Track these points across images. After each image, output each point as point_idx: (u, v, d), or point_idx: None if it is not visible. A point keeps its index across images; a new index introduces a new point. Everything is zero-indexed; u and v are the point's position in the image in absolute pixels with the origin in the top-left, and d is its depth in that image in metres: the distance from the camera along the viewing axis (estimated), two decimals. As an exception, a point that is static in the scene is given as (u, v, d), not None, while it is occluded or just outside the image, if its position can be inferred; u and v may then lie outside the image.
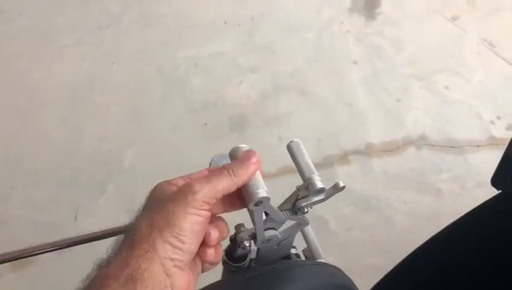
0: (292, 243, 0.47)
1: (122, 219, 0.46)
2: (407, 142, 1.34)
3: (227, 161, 0.43)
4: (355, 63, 1.51)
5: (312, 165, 0.43)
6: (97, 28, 1.63)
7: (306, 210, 0.43)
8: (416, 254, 0.68)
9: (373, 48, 1.54)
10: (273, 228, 0.43)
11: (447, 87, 1.44)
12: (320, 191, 0.42)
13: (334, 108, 1.42)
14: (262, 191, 0.39)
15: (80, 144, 1.40)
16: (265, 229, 0.43)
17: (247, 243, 0.43)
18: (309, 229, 0.53)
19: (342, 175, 1.30)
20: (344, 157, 1.33)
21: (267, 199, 0.39)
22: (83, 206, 1.28)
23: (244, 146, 0.42)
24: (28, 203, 1.31)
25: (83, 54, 1.58)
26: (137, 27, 1.64)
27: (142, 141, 1.40)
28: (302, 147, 0.45)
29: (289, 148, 0.45)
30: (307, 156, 0.44)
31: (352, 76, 1.48)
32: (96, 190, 1.31)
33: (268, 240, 0.44)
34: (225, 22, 1.64)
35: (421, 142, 1.34)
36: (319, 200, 0.43)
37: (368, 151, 1.33)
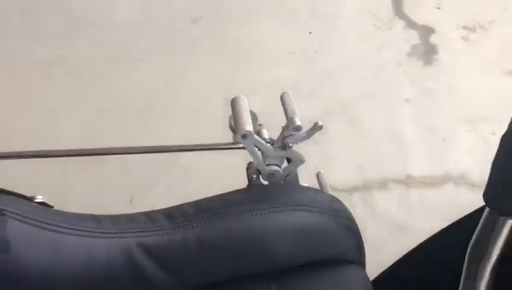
0: (297, 180, 0.58)
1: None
2: (447, 179, 1.40)
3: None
4: (407, 101, 1.60)
5: (296, 109, 0.54)
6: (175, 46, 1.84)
7: (291, 145, 0.53)
8: (406, 258, 0.74)
9: (426, 90, 1.63)
10: (276, 165, 0.54)
11: (493, 133, 1.48)
12: (298, 128, 0.52)
13: (380, 139, 1.50)
14: (248, 126, 0.50)
15: (145, 141, 1.57)
16: (267, 165, 0.54)
17: (254, 176, 0.55)
18: (323, 176, 0.63)
19: (380, 200, 1.37)
20: (383, 184, 1.40)
21: (251, 133, 0.50)
22: (138, 192, 1.43)
23: None
24: (90, 185, 1.48)
25: (159, 67, 1.78)
26: (211, 49, 1.83)
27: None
28: (292, 97, 0.55)
29: (281, 97, 0.56)
30: (293, 103, 0.55)
31: (403, 112, 1.57)
32: (151, 179, 1.46)
33: (272, 174, 0.54)
34: (290, 52, 1.79)
35: (460, 180, 1.39)
36: (302, 137, 0.53)
37: (407, 181, 1.40)
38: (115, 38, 1.90)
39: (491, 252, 0.47)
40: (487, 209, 0.46)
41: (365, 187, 1.39)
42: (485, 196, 0.45)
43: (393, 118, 1.56)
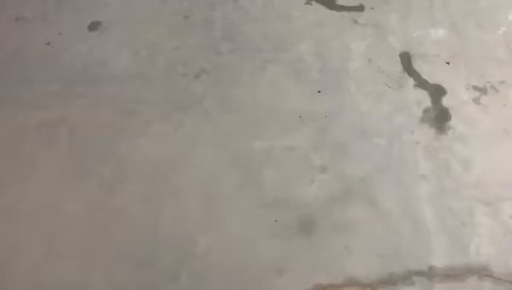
0: None
1: None
2: (469, 271, 1.39)
3: None
4: (423, 177, 1.57)
5: None
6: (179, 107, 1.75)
7: None
8: None
9: (441, 163, 1.60)
10: None
11: (512, 217, 1.48)
12: None
13: (399, 223, 1.48)
14: None
15: (156, 224, 1.50)
16: None
17: None
18: None
19: (404, 295, 1.35)
20: (408, 277, 1.38)
21: None
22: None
23: None
24: (108, 280, 1.40)
25: (166, 132, 1.69)
26: (216, 111, 1.74)
27: (213, 230, 1.48)
28: None
29: None
30: None
31: (419, 191, 1.54)
32: (170, 274, 1.40)
33: None
34: (300, 116, 1.72)
35: (482, 272, 1.38)
36: None
37: (431, 274, 1.38)
38: (112, 95, 1.79)
39: None
40: None
41: (390, 281, 1.37)
42: None
43: (411, 197, 1.53)
